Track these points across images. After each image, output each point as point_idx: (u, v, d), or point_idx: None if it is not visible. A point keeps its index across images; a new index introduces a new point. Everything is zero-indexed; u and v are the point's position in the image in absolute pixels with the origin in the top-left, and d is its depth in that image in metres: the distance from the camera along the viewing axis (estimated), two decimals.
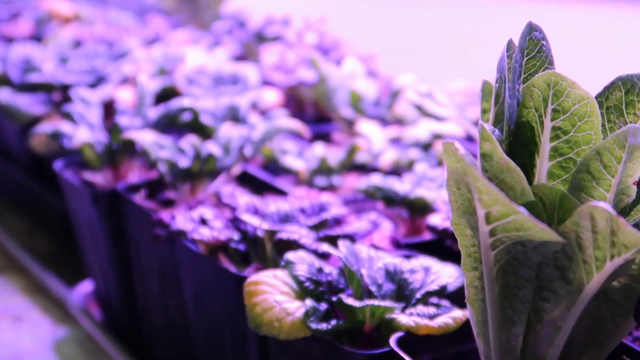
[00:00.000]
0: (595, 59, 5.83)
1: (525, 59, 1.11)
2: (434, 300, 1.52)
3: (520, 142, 1.10)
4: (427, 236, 2.02)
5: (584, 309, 1.06)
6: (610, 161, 0.99)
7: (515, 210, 0.91)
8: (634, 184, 1.05)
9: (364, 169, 2.59)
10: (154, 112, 2.46)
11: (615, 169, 1.00)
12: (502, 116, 1.09)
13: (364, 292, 1.49)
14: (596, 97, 1.13)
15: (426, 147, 2.59)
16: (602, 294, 1.11)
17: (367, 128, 2.69)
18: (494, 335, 1.11)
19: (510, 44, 1.13)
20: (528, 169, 1.10)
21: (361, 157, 2.56)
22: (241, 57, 3.77)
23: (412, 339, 1.40)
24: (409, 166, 2.42)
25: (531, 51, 1.11)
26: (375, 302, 1.42)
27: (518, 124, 1.09)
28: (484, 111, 1.19)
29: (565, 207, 1.00)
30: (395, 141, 2.73)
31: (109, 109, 2.69)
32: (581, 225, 0.95)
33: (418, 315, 1.43)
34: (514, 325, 1.09)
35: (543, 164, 1.08)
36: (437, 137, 2.62)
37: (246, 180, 2.42)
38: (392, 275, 1.54)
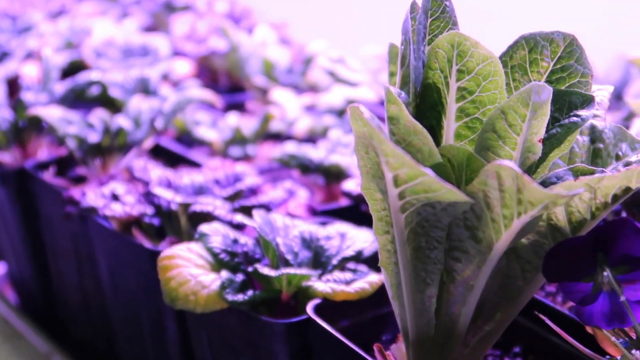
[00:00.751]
0: (500, 19, 5.90)
1: (429, 20, 1.10)
2: (351, 265, 1.52)
3: (427, 104, 1.10)
4: (343, 202, 2.02)
5: (494, 267, 1.07)
6: (515, 120, 0.99)
7: (422, 172, 0.91)
8: (539, 141, 1.05)
9: (279, 137, 2.57)
10: (60, 87, 2.39)
11: (520, 128, 1.00)
12: (409, 79, 1.09)
13: (280, 261, 1.48)
14: (501, 57, 1.13)
15: (340, 113, 2.59)
16: (512, 251, 1.12)
17: (281, 96, 2.68)
18: (408, 297, 1.11)
19: (414, 5, 1.12)
20: (436, 131, 1.10)
21: (276, 126, 2.55)
22: (151, 28, 3.70)
23: (329, 306, 1.39)
24: (324, 133, 2.41)
25: (435, 12, 1.10)
26: (292, 271, 1.41)
27: (424, 85, 1.09)
28: (392, 74, 1.19)
29: (472, 167, 1.01)
30: (310, 108, 2.72)
31: (13, 85, 2.60)
32: (488, 184, 0.96)
33: (335, 281, 1.42)
34: (428, 287, 1.09)
35: (450, 125, 1.08)
36: (351, 102, 2.61)
37: (159, 154, 2.38)
38: (308, 242, 1.54)
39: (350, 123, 0.99)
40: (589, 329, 1.29)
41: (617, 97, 2.45)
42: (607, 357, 1.15)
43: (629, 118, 1.93)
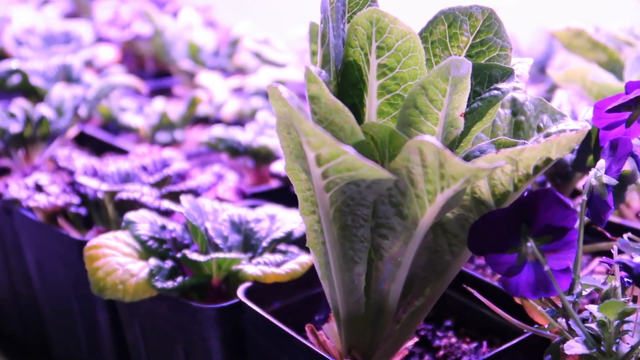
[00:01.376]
0: None
1: None
2: (282, 247, 1.51)
3: (349, 82, 1.09)
4: (273, 184, 2.01)
5: (421, 242, 1.07)
6: (435, 95, 0.99)
7: (343, 151, 0.90)
8: (461, 115, 1.06)
9: (208, 121, 2.55)
10: None
11: (441, 102, 1.00)
12: (329, 57, 1.08)
13: (210, 246, 1.47)
14: (421, 33, 1.13)
15: (268, 95, 2.57)
16: (438, 226, 1.12)
17: (208, 79, 2.65)
18: (337, 276, 1.11)
19: None
20: (358, 108, 1.10)
21: (204, 110, 2.52)
22: (73, 15, 3.62)
23: (260, 288, 1.39)
24: (252, 115, 2.39)
25: None
26: (221, 255, 1.40)
27: (345, 63, 1.08)
28: (313, 53, 1.18)
29: (395, 144, 1.00)
30: (238, 91, 2.70)
31: None
32: (411, 160, 0.95)
33: (265, 263, 1.42)
34: (356, 265, 1.09)
35: (372, 102, 1.08)
36: (279, 83, 2.59)
37: (85, 142, 2.33)
38: (237, 226, 1.52)
39: (271, 103, 0.98)
40: (518, 300, 1.31)
41: (541, 70, 2.48)
42: (536, 326, 1.17)
43: (551, 90, 1.95)
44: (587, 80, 1.75)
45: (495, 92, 1.08)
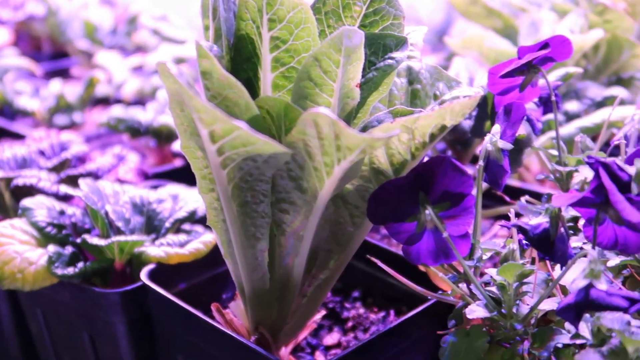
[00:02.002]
0: None
1: None
2: (187, 226, 1.49)
3: (242, 56, 1.07)
4: (177, 163, 1.98)
5: (322, 215, 1.06)
6: (329, 66, 0.98)
7: (236, 126, 0.88)
8: (356, 86, 1.05)
9: (108, 102, 2.49)
10: None
11: (335, 74, 0.99)
12: (221, 31, 1.06)
13: (111, 229, 1.43)
14: (314, 4, 1.12)
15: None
16: (339, 198, 1.12)
17: (106, 59, 2.58)
18: (239, 253, 1.09)
19: None
20: (254, 83, 1.08)
21: (103, 90, 2.46)
22: None
23: (165, 269, 1.37)
24: (153, 94, 2.35)
25: None
26: (122, 238, 1.37)
27: (238, 37, 1.06)
28: (206, 28, 1.15)
29: (290, 117, 0.99)
30: (138, 69, 2.64)
31: None
32: (307, 132, 0.94)
33: (168, 244, 1.39)
34: (258, 241, 1.08)
35: (267, 75, 1.06)
36: (180, 61, 2.56)
37: None
38: (139, 207, 1.49)
39: (162, 81, 0.96)
40: (422, 268, 1.32)
41: (441, 38, 2.50)
42: (439, 292, 1.18)
43: (450, 58, 1.97)
44: (483, 47, 1.77)
45: (390, 61, 1.08)
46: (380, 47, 1.10)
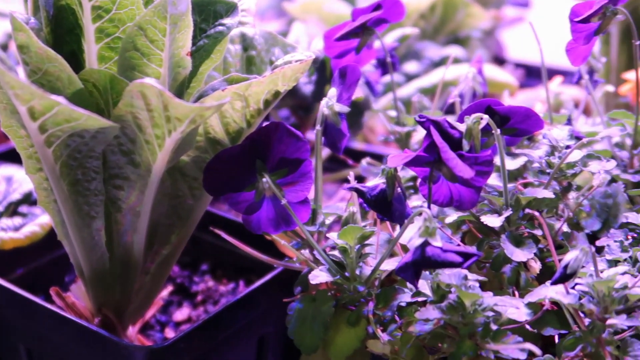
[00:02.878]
0: None
1: None
2: (23, 209, 1.42)
3: (64, 28, 1.02)
4: (12, 143, 1.88)
5: (158, 189, 1.03)
6: (155, 35, 0.95)
7: (55, 102, 0.84)
8: (187, 55, 1.02)
9: None
10: None
11: (162, 43, 0.96)
12: (39, 2, 1.00)
13: None
14: None
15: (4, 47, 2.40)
16: (176, 170, 1.09)
17: None
18: (74, 234, 1.05)
19: None
20: (78, 55, 1.03)
21: None
22: None
23: (1, 255, 1.30)
24: None
25: None
26: None
27: (58, 8, 1.01)
28: (25, 0, 1.09)
29: (117, 90, 0.95)
30: None
31: None
32: (135, 105, 0.91)
33: (2, 229, 1.32)
34: (93, 220, 1.04)
35: (91, 47, 1.01)
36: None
37: None
38: None
39: None
40: (268, 236, 1.31)
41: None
42: (286, 259, 1.17)
43: (290, 23, 1.96)
44: (322, 11, 1.77)
45: (220, 27, 1.05)
46: (211, 13, 1.07)
